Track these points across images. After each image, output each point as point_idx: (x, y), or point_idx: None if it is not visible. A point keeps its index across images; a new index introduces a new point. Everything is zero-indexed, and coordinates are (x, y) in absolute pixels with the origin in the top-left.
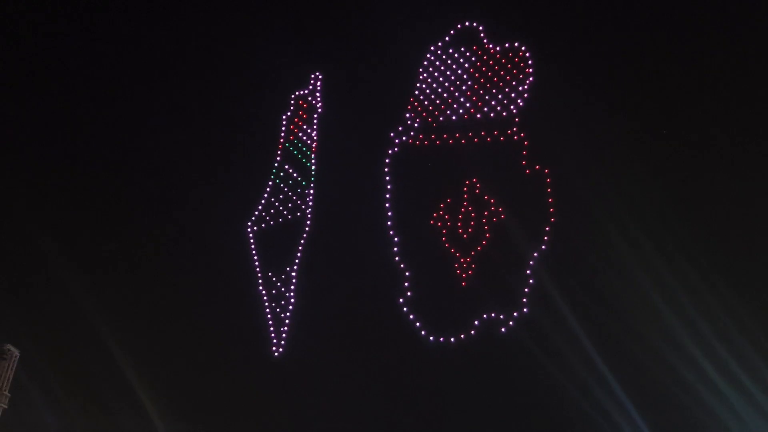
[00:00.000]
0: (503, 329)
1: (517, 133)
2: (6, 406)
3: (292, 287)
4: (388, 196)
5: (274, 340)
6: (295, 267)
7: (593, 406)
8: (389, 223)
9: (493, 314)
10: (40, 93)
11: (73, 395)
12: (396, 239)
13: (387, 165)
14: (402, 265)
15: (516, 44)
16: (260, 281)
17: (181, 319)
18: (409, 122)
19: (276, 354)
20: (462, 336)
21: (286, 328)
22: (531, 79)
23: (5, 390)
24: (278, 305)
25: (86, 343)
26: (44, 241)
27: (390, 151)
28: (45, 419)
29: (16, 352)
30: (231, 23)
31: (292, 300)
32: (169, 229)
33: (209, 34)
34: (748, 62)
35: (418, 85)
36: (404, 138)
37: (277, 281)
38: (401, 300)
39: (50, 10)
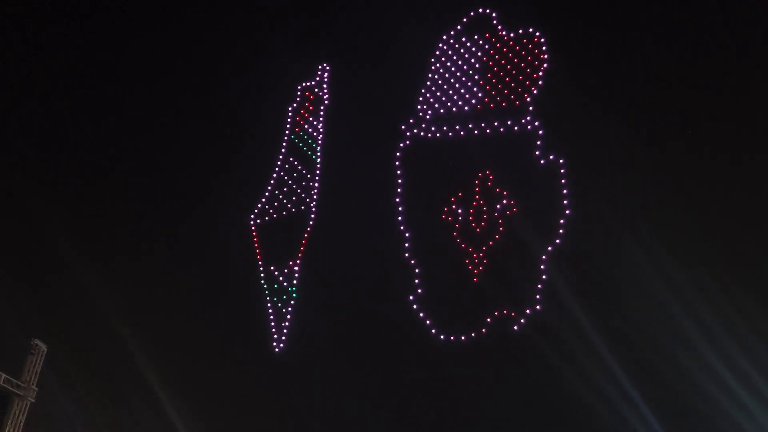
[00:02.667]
0: (516, 327)
1: (531, 123)
2: (33, 400)
3: (295, 282)
4: (399, 190)
5: (275, 336)
6: (298, 261)
7: (608, 407)
8: (400, 218)
9: (505, 311)
10: (42, 91)
11: (90, 389)
12: (407, 234)
13: (398, 158)
14: (412, 261)
15: (530, 30)
16: (262, 275)
17: (183, 314)
18: (420, 114)
19: (276, 350)
20: (473, 334)
21: (287, 324)
22: (545, 65)
23: (32, 384)
24: (280, 300)
25: (100, 338)
26: (62, 239)
27: (401, 144)
28: (68, 413)
29: (44, 347)
30: (236, 13)
31: (294, 295)
32: (171, 222)
33: (215, 24)
34: None
35: (429, 75)
36: (415, 130)
37: (279, 275)
38: (411, 297)
39: (49, 7)
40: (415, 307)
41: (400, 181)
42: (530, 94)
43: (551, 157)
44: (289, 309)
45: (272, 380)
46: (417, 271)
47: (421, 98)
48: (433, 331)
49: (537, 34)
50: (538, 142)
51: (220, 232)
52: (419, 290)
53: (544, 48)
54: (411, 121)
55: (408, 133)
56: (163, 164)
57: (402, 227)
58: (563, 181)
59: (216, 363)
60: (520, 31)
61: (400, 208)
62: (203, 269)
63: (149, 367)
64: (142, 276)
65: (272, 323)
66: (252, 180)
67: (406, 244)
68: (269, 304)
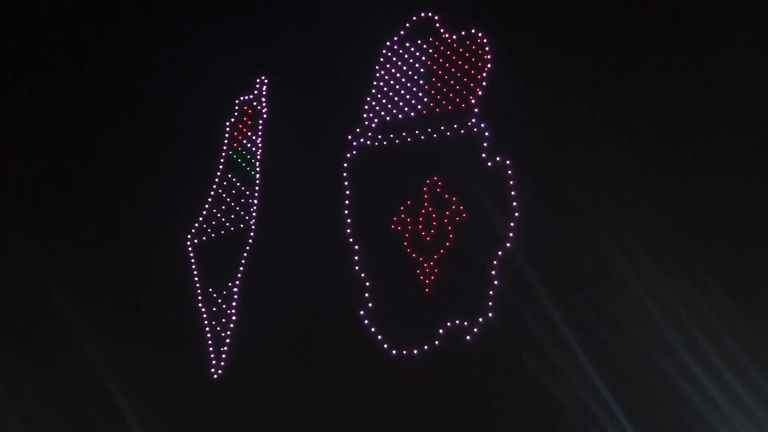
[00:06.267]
0: (468, 337)
1: (477, 125)
2: None
3: (234, 303)
4: (347, 202)
5: (213, 361)
6: (237, 282)
7: (562, 416)
8: (348, 230)
9: (457, 321)
10: None
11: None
12: (356, 247)
13: (345, 169)
14: (362, 275)
15: (473, 31)
16: (200, 297)
17: (118, 339)
18: (366, 123)
19: (215, 376)
20: (426, 347)
21: (226, 348)
22: (489, 66)
23: None
24: (218, 323)
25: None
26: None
27: (348, 155)
28: None
29: None
30: (169, 26)
31: (234, 318)
32: (104, 241)
33: (147, 38)
34: (740, 50)
35: (374, 83)
36: (362, 140)
37: (218, 297)
38: (362, 312)
39: None
40: (366, 322)
41: (348, 192)
42: (475, 95)
43: (498, 158)
44: (228, 332)
45: (212, 408)
46: (367, 284)
47: (366, 106)
48: (385, 346)
49: (480, 34)
50: (485, 144)
51: (157, 253)
52: (370, 304)
53: (487, 48)
54: (357, 130)
55: (354, 143)
56: (94, 184)
57: (351, 240)
58: (511, 182)
59: (151, 390)
60: (463, 33)
61: (348, 221)
62: (138, 292)
63: (89, 395)
64: (78, 298)
65: (210, 348)
66: (189, 199)
67: (356, 257)
68: (207, 328)
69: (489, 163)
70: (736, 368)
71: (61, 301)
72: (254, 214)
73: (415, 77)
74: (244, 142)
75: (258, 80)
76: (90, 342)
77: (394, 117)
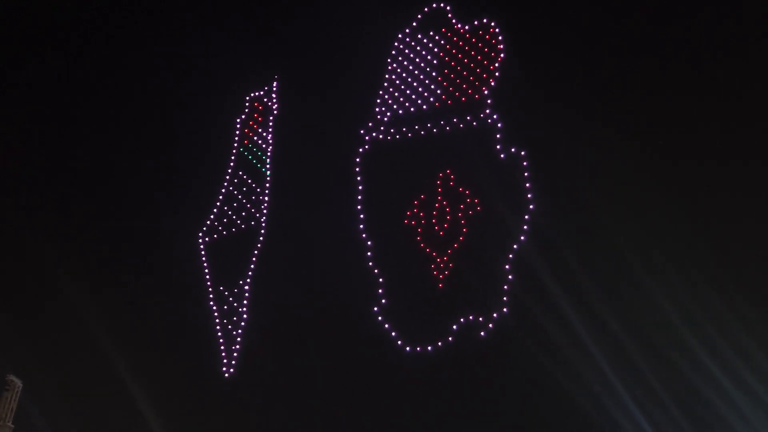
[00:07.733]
0: (483, 333)
1: (490, 116)
2: None
3: (245, 302)
4: (360, 197)
5: (225, 360)
6: (248, 280)
7: (576, 412)
8: (361, 226)
9: (471, 317)
10: None
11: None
12: (368, 243)
13: (358, 164)
14: (375, 270)
15: (485, 20)
16: (211, 296)
17: (129, 338)
18: (379, 116)
19: (226, 375)
20: (439, 343)
21: (237, 347)
22: (502, 56)
23: (8, 421)
24: (230, 321)
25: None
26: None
27: (360, 150)
28: None
29: (19, 383)
30: (178, 25)
31: (245, 316)
32: (115, 240)
33: (157, 36)
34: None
35: (386, 76)
36: (374, 134)
37: (229, 296)
38: (375, 309)
39: None
40: (380, 318)
41: (360, 187)
42: (488, 86)
43: (512, 150)
44: (239, 331)
45: (224, 407)
46: (381, 280)
47: (379, 100)
48: (399, 342)
49: (492, 24)
50: (498, 136)
51: (168, 252)
52: (383, 300)
53: (499, 38)
54: (369, 124)
55: (367, 137)
56: (105, 183)
57: (363, 235)
58: (525, 174)
59: (163, 389)
60: (476, 23)
61: (361, 216)
62: (149, 291)
63: (105, 393)
64: (93, 298)
65: (222, 347)
66: (200, 197)
67: (369, 253)
68: (219, 327)
69: (502, 155)
70: (746, 365)
71: (78, 301)
72: (265, 210)
73: (428, 69)
74: (255, 138)
75: (268, 76)
76: (104, 340)
77: (406, 110)
